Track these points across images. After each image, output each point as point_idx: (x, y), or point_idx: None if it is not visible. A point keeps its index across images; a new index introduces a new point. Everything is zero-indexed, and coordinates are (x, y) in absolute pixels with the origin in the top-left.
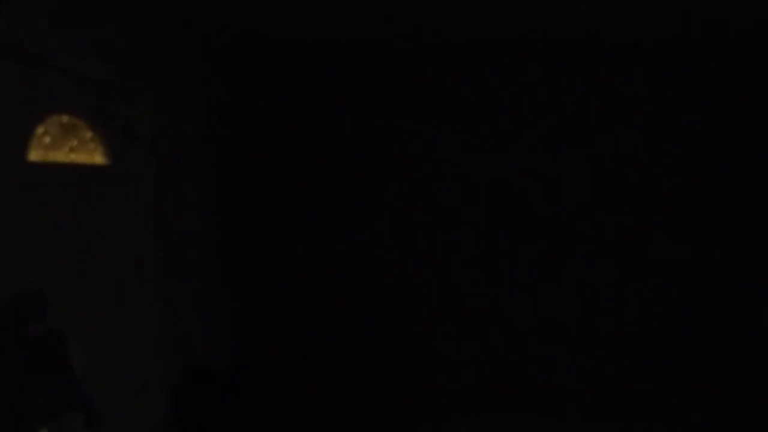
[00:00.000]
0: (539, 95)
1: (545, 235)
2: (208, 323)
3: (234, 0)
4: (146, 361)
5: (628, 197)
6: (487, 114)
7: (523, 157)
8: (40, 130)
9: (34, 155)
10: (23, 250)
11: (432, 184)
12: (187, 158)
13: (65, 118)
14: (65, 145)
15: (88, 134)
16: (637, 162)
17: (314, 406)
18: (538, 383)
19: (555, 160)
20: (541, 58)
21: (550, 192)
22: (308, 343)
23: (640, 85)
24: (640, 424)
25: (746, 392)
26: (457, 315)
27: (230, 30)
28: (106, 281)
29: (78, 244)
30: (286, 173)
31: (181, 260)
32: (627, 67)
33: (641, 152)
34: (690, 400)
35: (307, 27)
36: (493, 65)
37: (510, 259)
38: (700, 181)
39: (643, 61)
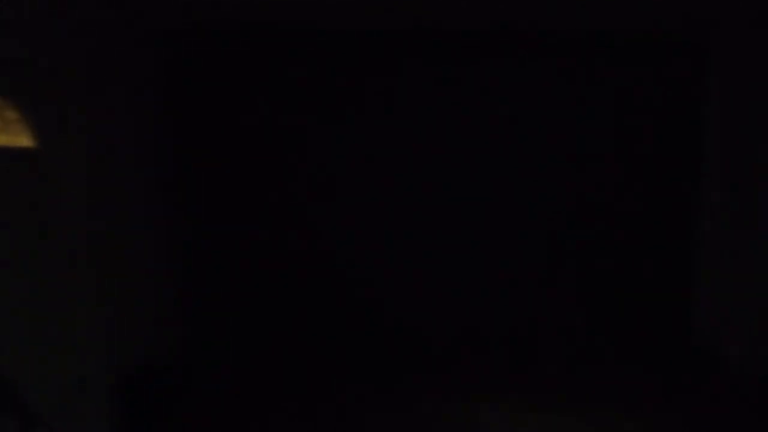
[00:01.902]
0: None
1: (521, 221)
2: (156, 316)
3: None
4: (86, 357)
5: (598, 183)
6: (439, 99)
7: (484, 144)
8: None
9: None
10: None
11: (393, 168)
12: (125, 144)
13: None
14: None
15: (13, 115)
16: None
17: (269, 401)
18: (527, 366)
19: (515, 146)
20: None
21: (519, 174)
22: (264, 335)
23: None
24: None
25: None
26: (424, 302)
27: (172, 7)
28: (36, 274)
29: (2, 233)
30: (235, 159)
31: (123, 250)
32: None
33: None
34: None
35: (254, 4)
36: (447, 49)
37: (487, 244)
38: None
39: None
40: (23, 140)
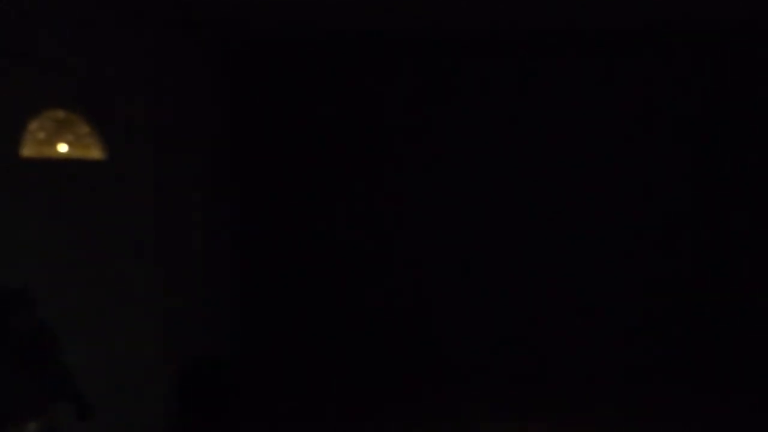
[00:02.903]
0: (543, 90)
1: (547, 232)
2: (212, 313)
3: None
4: (147, 350)
5: (629, 192)
6: (491, 108)
7: (528, 155)
8: (33, 125)
9: (28, 151)
10: (20, 245)
11: (437, 179)
12: (189, 151)
13: (60, 113)
14: (61, 140)
15: (85, 129)
16: (639, 155)
17: (317, 396)
18: (540, 381)
19: (555, 156)
20: (544, 49)
21: (553, 188)
22: (313, 333)
23: (643, 75)
24: (643, 421)
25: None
26: (460, 312)
27: (230, 21)
28: (105, 273)
29: (75, 237)
30: (291, 165)
31: (184, 252)
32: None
33: (642, 145)
34: (694, 395)
35: (311, 16)
36: (501, 59)
37: (513, 256)
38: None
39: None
40: (94, 152)
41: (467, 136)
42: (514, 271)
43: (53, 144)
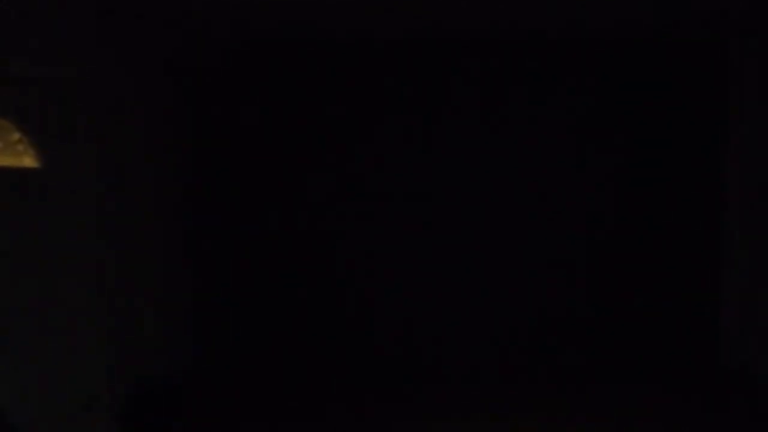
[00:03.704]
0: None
1: (530, 233)
2: (164, 330)
3: None
4: (91, 373)
5: (598, 197)
6: (477, 108)
7: (501, 158)
8: None
9: None
10: None
11: (410, 180)
12: (140, 157)
13: None
14: None
15: (15, 136)
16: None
17: (279, 417)
18: (523, 381)
19: (525, 157)
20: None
21: (529, 189)
22: (272, 350)
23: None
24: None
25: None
26: (432, 314)
27: (194, 17)
28: (40, 289)
29: (3, 252)
30: (249, 172)
31: (132, 264)
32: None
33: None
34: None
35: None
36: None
37: (489, 256)
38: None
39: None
40: (26, 161)
41: (466, 137)
42: (508, 270)
43: None
